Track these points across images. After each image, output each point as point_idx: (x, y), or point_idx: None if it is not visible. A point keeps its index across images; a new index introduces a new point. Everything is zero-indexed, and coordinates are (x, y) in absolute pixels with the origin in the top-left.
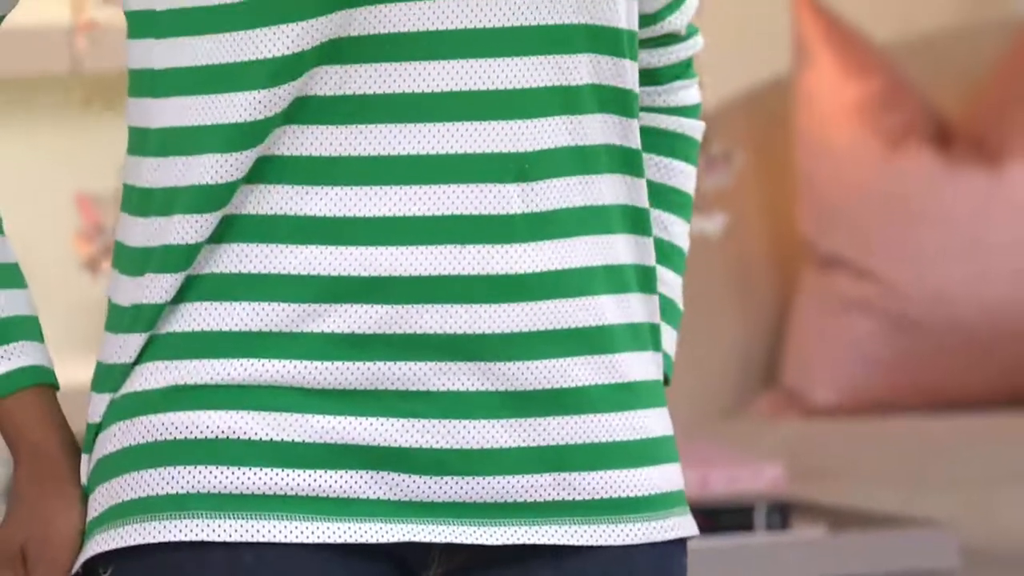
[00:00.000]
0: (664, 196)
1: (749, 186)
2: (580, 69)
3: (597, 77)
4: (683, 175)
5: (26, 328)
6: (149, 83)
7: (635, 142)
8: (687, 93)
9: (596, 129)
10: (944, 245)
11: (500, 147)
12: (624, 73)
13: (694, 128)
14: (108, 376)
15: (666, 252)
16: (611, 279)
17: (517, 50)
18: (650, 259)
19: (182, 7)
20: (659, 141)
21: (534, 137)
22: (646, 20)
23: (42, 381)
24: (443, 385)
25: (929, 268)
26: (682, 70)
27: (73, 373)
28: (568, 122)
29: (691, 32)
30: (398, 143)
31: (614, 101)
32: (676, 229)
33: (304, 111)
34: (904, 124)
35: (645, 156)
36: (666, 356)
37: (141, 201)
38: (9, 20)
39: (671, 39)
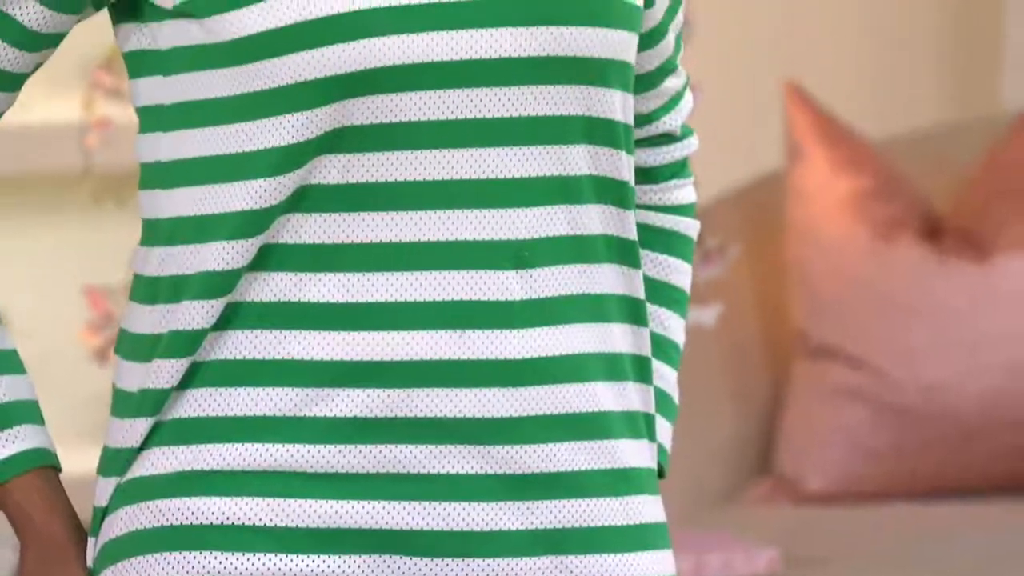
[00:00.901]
0: (660, 292)
1: (743, 278)
2: (578, 160)
3: (595, 168)
4: (679, 272)
5: (27, 412)
6: (157, 175)
7: (632, 233)
8: (683, 192)
9: (595, 219)
10: (935, 336)
11: (499, 235)
12: (621, 165)
13: (689, 226)
14: (115, 460)
15: (663, 347)
16: (608, 367)
17: (517, 140)
18: (646, 349)
19: (188, 101)
20: (655, 238)
21: (533, 225)
22: (641, 120)
23: (44, 463)
24: (442, 468)
25: (920, 358)
26: (678, 169)
27: (81, 462)
28: (567, 211)
29: (686, 133)
30: (399, 230)
31: (612, 192)
32: (672, 324)
33: (307, 199)
34: (895, 218)
35: (641, 252)
36: (662, 449)
37: (150, 289)
38: (22, 119)
39: (666, 139)
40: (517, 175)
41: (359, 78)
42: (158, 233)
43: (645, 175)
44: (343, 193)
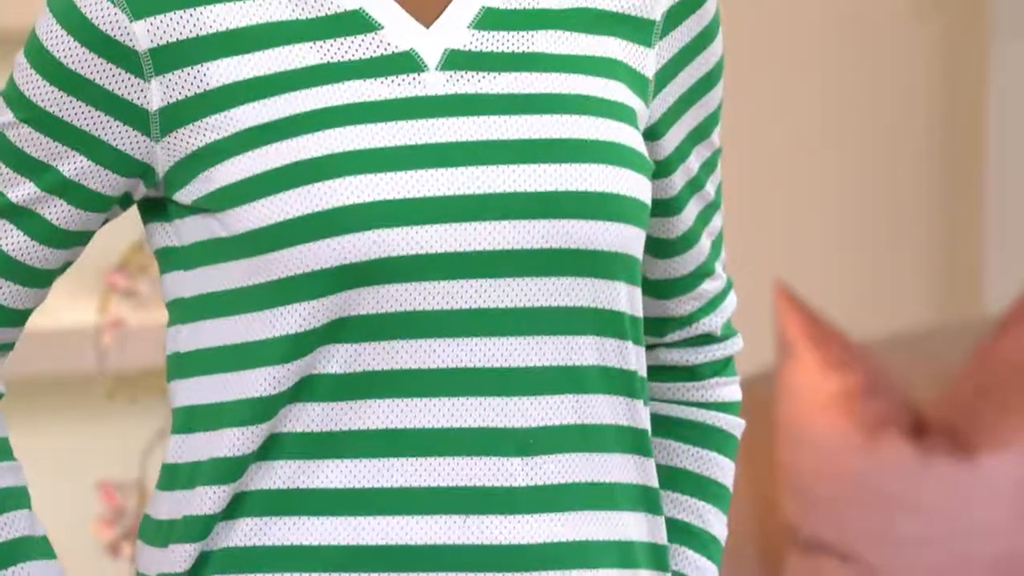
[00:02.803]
0: (700, 486)
1: (736, 473)
2: (585, 351)
3: (602, 359)
4: (719, 467)
5: None
6: (178, 366)
7: (642, 423)
8: (726, 390)
9: (603, 409)
10: (922, 531)
11: (503, 423)
12: (628, 356)
13: (732, 424)
14: None
15: (702, 540)
16: (619, 554)
17: (524, 330)
18: (661, 537)
19: (207, 293)
20: (696, 433)
21: (538, 414)
22: (681, 322)
23: None
24: None
25: (908, 553)
26: (720, 368)
27: None
28: (574, 401)
29: (728, 333)
30: (404, 417)
31: (619, 383)
32: (711, 518)
33: (310, 389)
34: (882, 416)
35: (682, 447)
36: None
37: (169, 476)
38: (41, 323)
39: (707, 339)
40: (523, 365)
41: (365, 268)
42: (178, 421)
43: (687, 372)
44: (346, 382)
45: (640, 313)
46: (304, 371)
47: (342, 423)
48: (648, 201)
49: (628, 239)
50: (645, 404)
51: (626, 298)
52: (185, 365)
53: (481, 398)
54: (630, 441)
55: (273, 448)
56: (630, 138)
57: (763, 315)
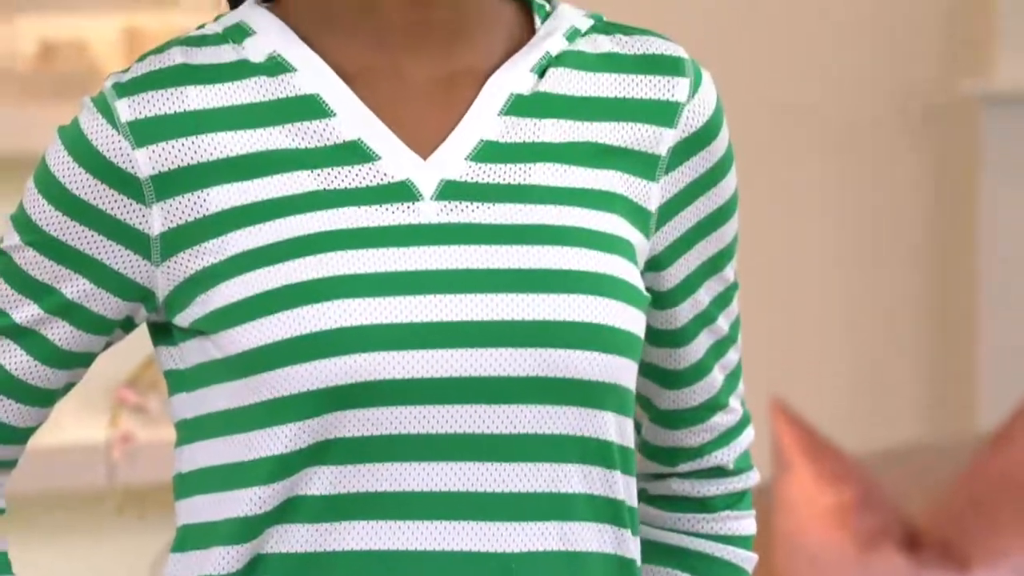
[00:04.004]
0: None
1: None
2: (571, 478)
3: (589, 487)
4: None
5: None
6: (179, 486)
7: (630, 552)
8: (738, 524)
9: (590, 537)
10: None
11: (488, 547)
12: (615, 485)
13: (742, 558)
14: None
15: None
16: None
17: (508, 456)
18: None
19: (204, 413)
20: (703, 565)
21: (522, 539)
22: (690, 454)
23: None
24: None
25: None
26: (733, 501)
27: None
28: (559, 528)
29: (741, 467)
30: (387, 539)
31: (606, 511)
32: None
33: (294, 510)
34: (876, 529)
35: None
36: None
37: None
38: (51, 440)
39: (719, 472)
40: (508, 490)
41: (350, 391)
42: (177, 540)
43: (699, 504)
44: (330, 504)
45: (631, 443)
46: (289, 492)
47: (325, 544)
48: (640, 333)
49: (616, 370)
50: (634, 534)
51: (615, 428)
52: (186, 485)
53: (464, 522)
54: (616, 570)
55: (258, 568)
56: (623, 270)
57: (759, 428)
